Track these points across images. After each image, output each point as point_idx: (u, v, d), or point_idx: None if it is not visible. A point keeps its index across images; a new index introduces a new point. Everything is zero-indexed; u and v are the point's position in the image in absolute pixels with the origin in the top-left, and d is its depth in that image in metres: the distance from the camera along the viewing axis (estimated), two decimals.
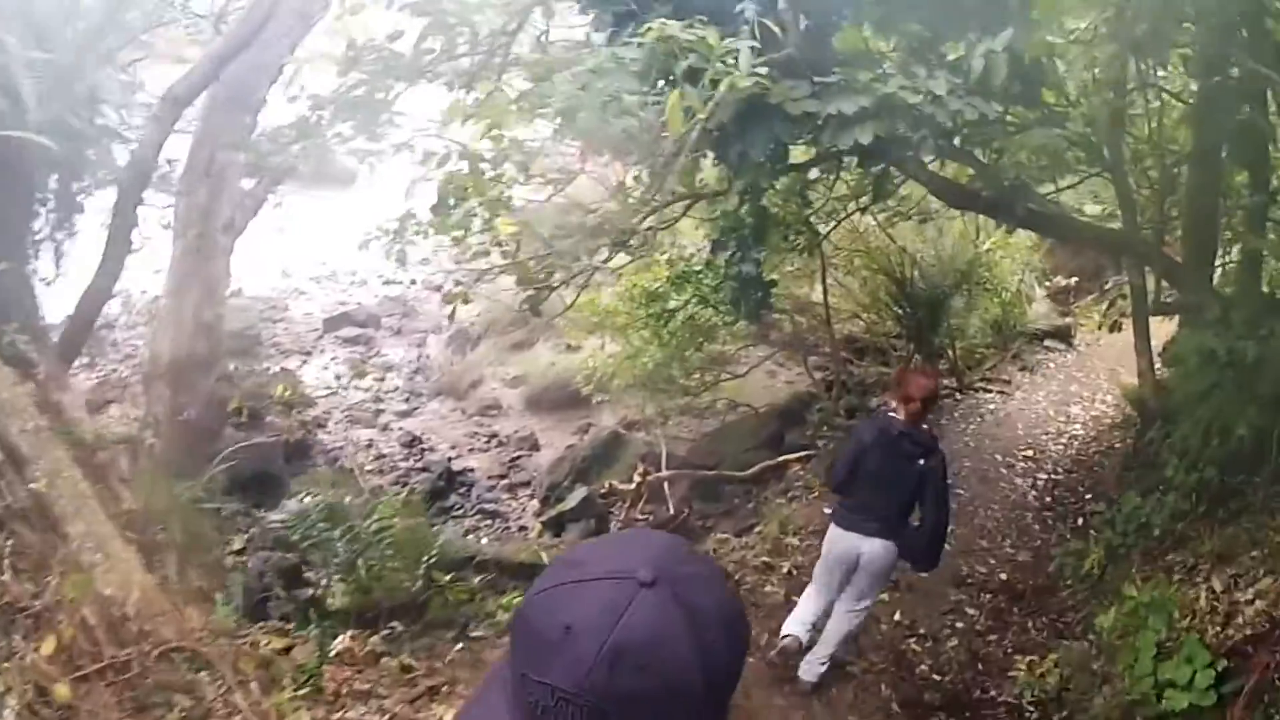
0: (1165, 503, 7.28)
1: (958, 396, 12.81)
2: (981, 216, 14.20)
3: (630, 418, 14.29)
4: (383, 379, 17.30)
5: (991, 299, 14.32)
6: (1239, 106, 6.74)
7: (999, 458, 10.82)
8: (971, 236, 13.67)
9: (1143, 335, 8.95)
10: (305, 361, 17.73)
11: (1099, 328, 9.68)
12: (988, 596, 8.03)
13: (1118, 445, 11.17)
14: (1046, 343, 14.84)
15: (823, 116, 5.80)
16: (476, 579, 8.34)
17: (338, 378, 17.31)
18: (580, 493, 10.95)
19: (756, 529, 9.69)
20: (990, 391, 12.97)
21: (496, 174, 6.69)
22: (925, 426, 5.40)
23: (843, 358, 14.67)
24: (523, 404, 15.48)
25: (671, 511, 10.03)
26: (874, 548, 5.08)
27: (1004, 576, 8.36)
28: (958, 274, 12.74)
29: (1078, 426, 12.04)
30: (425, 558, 6.75)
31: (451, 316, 10.71)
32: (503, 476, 13.71)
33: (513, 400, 15.74)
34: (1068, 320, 15.43)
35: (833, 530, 5.27)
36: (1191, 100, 7.60)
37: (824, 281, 12.53)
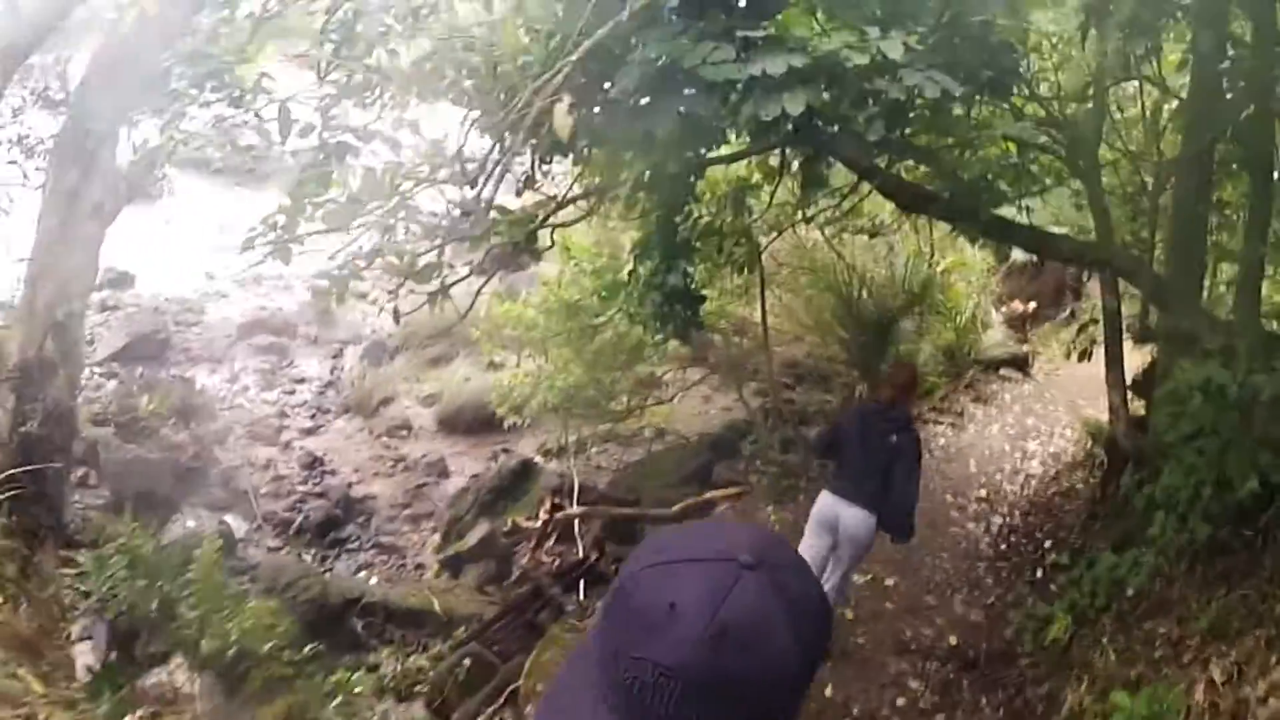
0: (1143, 562, 6.17)
1: None
2: (937, 233, 13.32)
3: (550, 444, 13.05)
4: (292, 392, 15.89)
5: (945, 323, 13.31)
6: (1241, 101, 5.72)
7: (949, 499, 9.72)
8: (926, 255, 12.71)
9: (1116, 365, 7.92)
10: (214, 370, 16.28)
11: (1067, 356, 8.67)
12: (934, 665, 6.86)
13: (1080, 487, 10.14)
14: (1002, 371, 13.85)
15: (743, 81, 4.63)
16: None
17: (245, 389, 15.88)
18: (481, 529, 9.68)
19: None
20: (941, 424, 11.89)
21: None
22: (906, 409, 5.81)
23: (782, 384, 13.58)
24: (435, 425, 14.16)
25: (581, 554, 8.76)
26: (854, 514, 5.41)
27: (953, 641, 7.19)
28: (909, 295, 11.71)
29: (1035, 464, 11.00)
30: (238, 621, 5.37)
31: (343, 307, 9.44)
32: (406, 505, 12.37)
33: (425, 420, 14.41)
34: (1025, 348, 14.47)
35: (822, 495, 5.66)
36: (1182, 95, 6.58)
37: (762, 299, 11.40)
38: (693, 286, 8.43)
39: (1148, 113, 8.12)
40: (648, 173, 5.77)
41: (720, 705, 0.90)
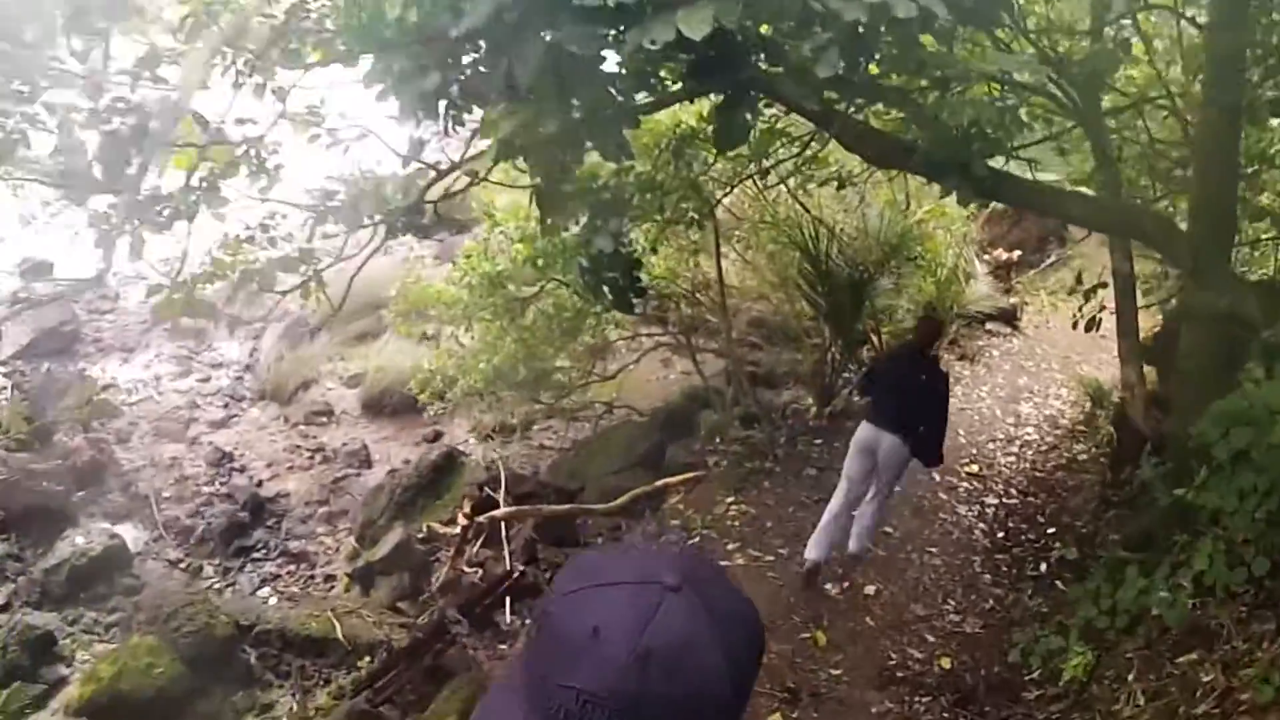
0: (1180, 599, 4.94)
1: None
2: (913, 181, 12.00)
3: (487, 425, 11.71)
4: (207, 379, 14.42)
5: (924, 277, 11.98)
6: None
7: (936, 476, 8.44)
8: (901, 204, 11.38)
9: (1130, 336, 6.65)
10: (126, 360, 14.78)
11: (1074, 326, 7.39)
12: (923, 700, 5.61)
13: (1083, 459, 8.93)
14: (989, 326, 12.59)
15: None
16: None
17: (157, 379, 14.40)
18: (395, 536, 8.33)
19: None
20: None
21: None
22: (933, 352, 6.43)
23: (747, 345, 12.25)
24: (359, 408, 12.75)
25: (507, 565, 7.45)
26: (890, 441, 5.94)
27: (946, 664, 5.95)
28: (885, 248, 10.35)
29: (1030, 430, 9.76)
30: None
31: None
32: (322, 503, 10.99)
33: (349, 404, 12.99)
34: (1012, 301, 13.19)
35: (863, 425, 6.16)
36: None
37: (718, 258, 10.05)
38: (630, 250, 7.19)
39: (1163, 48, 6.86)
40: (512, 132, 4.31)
41: None
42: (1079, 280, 7.37)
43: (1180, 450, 6.16)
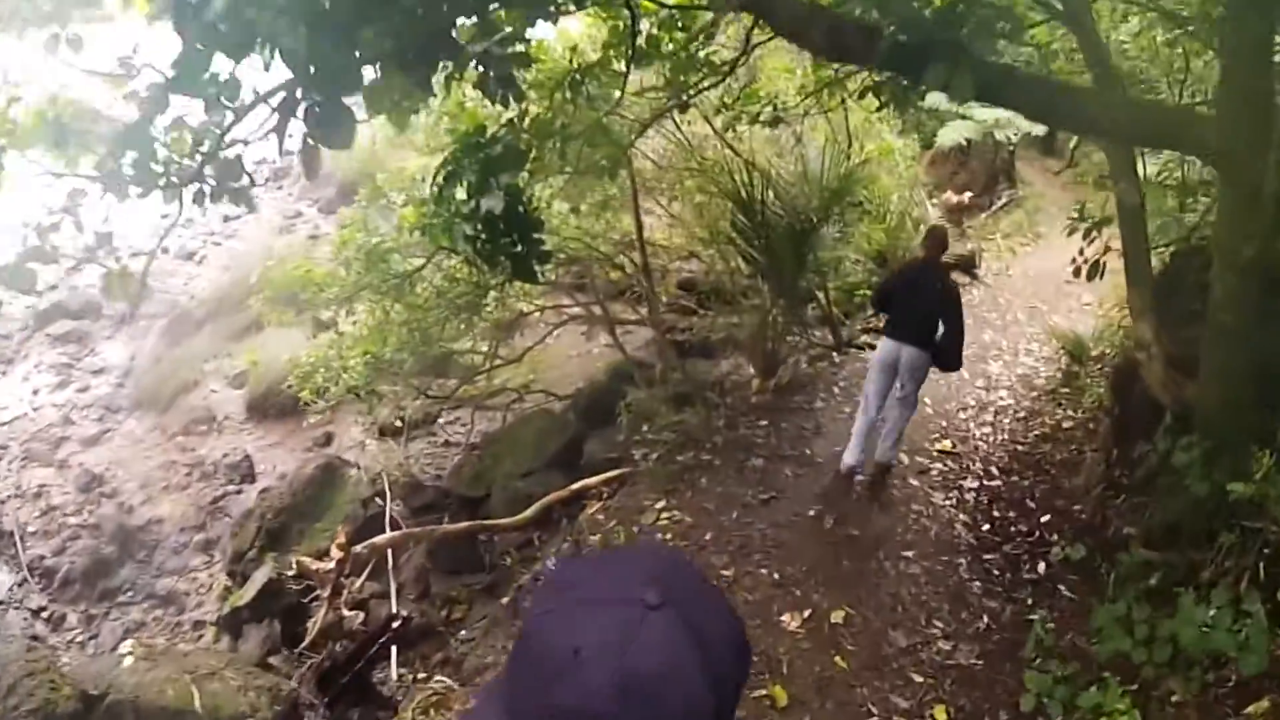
0: (1257, 641, 3.67)
1: (835, 359, 9.11)
2: (857, 114, 10.68)
3: (386, 420, 10.16)
4: (85, 389, 12.59)
5: (873, 224, 10.66)
6: None
7: (904, 459, 7.15)
8: (843, 144, 10.05)
9: (1141, 282, 5.33)
10: (5, 372, 12.90)
11: (1076, 274, 6.12)
12: None
13: (1067, 425, 7.69)
14: None
15: None
16: None
17: (35, 392, 12.54)
18: (263, 574, 6.80)
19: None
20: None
21: None
22: (942, 264, 6.54)
23: (674, 314, 10.85)
24: (244, 412, 11.09)
25: (393, 608, 5.97)
26: (911, 352, 6.13)
27: (942, 716, 4.64)
28: (827, 194, 8.96)
29: (1003, 395, 8.49)
30: None
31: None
32: (198, 528, 9.39)
33: (233, 407, 11.32)
34: (969, 246, 11.93)
35: (882, 341, 6.38)
36: None
37: (636, 212, 8.62)
38: (527, 208, 6.06)
39: None
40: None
41: None
42: (1080, 214, 6.02)
43: (1213, 425, 4.92)
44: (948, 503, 6.63)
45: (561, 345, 11.37)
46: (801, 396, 7.98)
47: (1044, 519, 6.41)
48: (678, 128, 9.50)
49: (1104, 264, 5.82)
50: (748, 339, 8.71)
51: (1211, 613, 3.92)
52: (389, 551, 6.45)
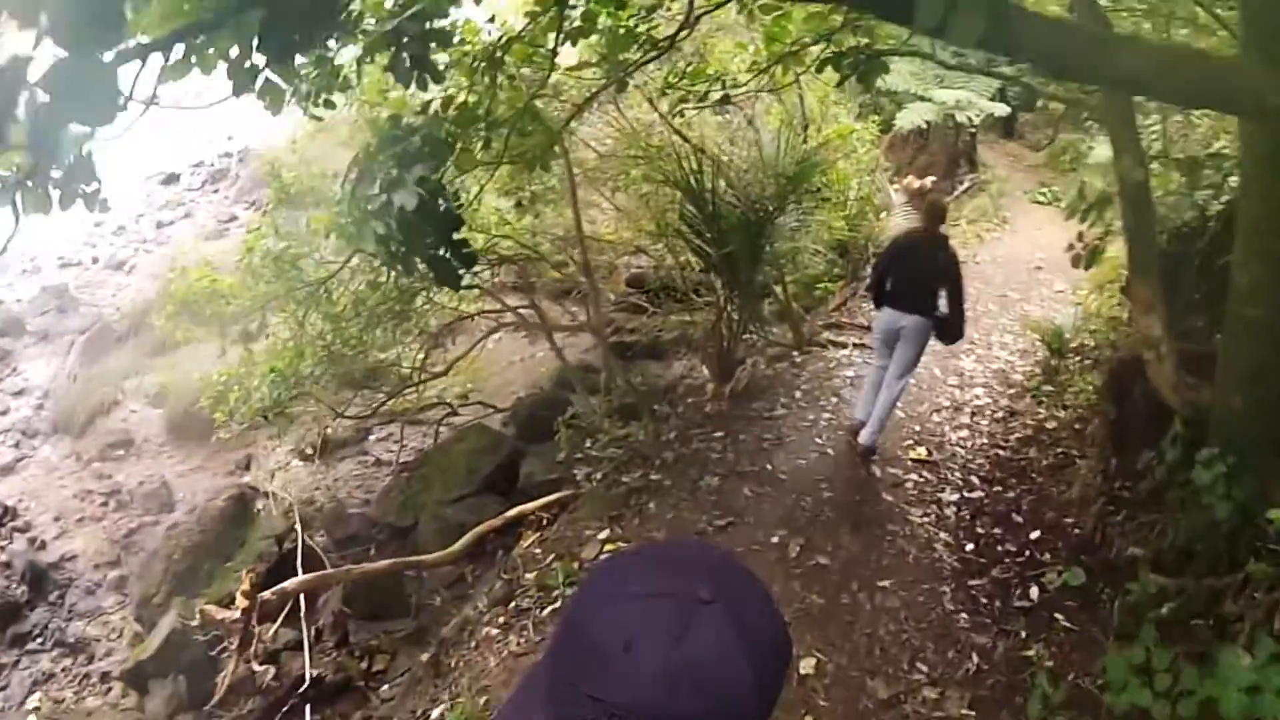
0: None
1: (796, 358, 8.39)
2: (814, 94, 10.06)
3: (312, 439, 9.30)
4: (4, 412, 11.61)
5: (832, 212, 9.94)
6: None
7: (875, 471, 6.46)
8: (799, 126, 9.39)
9: (1146, 270, 4.64)
10: None
11: (1074, 263, 5.45)
12: None
13: (1051, 425, 7.02)
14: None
15: None
16: None
17: None
18: (168, 623, 5.96)
19: (457, 679, 5.01)
20: (844, 346, 8.61)
21: None
22: (941, 234, 6.32)
23: (624, 312, 10.10)
24: (165, 434, 10.17)
25: (307, 662, 5.14)
26: (912, 321, 6.15)
27: None
28: (783, 181, 8.22)
29: (979, 393, 7.83)
30: None
31: None
32: (113, 564, 8.52)
33: (153, 429, 10.39)
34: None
35: (883, 312, 6.33)
36: None
37: (575, 205, 7.83)
38: (449, 205, 5.28)
39: None
40: None
41: None
42: (1081, 194, 5.33)
43: (1234, 434, 4.25)
44: (926, 520, 5.92)
45: (503, 350, 10.59)
46: (761, 403, 7.24)
47: (1034, 535, 5.72)
48: (621, 113, 8.76)
49: (1100, 246, 5.11)
50: (701, 340, 7.96)
51: (1254, 669, 3.21)
52: (303, 596, 5.64)
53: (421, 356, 8.61)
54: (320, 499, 8.95)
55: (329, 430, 9.24)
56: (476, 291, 8.91)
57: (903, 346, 6.21)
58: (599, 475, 6.56)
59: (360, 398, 8.72)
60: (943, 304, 6.19)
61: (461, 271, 6.45)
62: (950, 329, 6.28)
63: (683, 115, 8.46)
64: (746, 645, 0.88)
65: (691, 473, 6.24)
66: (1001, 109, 13.78)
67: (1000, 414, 7.39)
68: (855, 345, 8.55)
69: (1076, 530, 5.62)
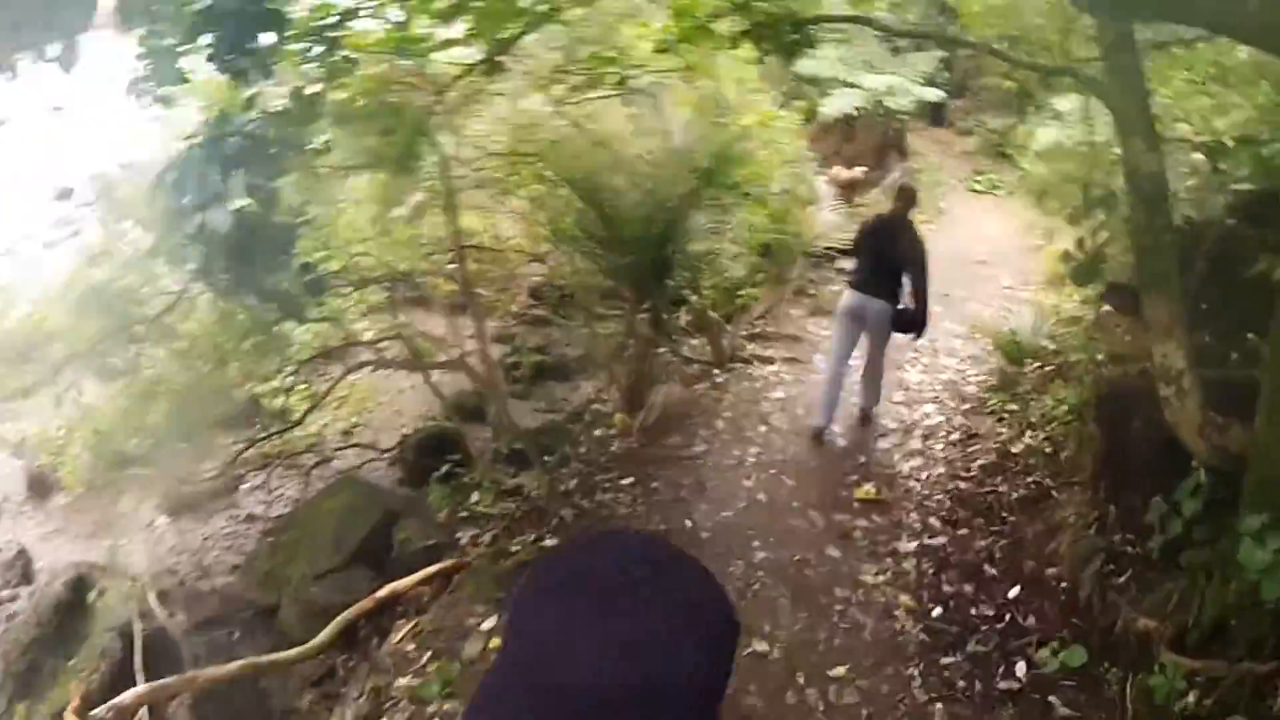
0: None
1: (717, 377, 7.31)
2: (731, 80, 9.03)
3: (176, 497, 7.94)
4: None
5: (755, 210, 8.89)
6: None
7: (812, 514, 5.39)
8: (714, 115, 8.32)
9: (1162, 283, 3.61)
10: None
11: (1074, 279, 4.56)
12: None
13: (1016, 450, 6.03)
14: (841, 263, 9.67)
15: None
16: None
17: None
18: None
19: None
20: (771, 362, 7.55)
21: None
22: (910, 218, 6.18)
23: (526, 326, 8.93)
24: (26, 488, 8.70)
25: None
26: (876, 305, 6.00)
27: None
28: (697, 176, 7.15)
29: (930, 410, 6.84)
30: None
31: None
32: None
33: (14, 485, 8.88)
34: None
35: (846, 294, 6.19)
36: None
37: (452, 211, 6.65)
38: (285, 220, 4.70)
39: None
40: None
41: None
42: (1084, 194, 4.35)
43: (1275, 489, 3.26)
44: (881, 579, 4.86)
45: (396, 381, 9.34)
46: (677, 437, 6.14)
47: (1012, 593, 4.72)
48: (514, 104, 7.60)
49: (1101, 256, 4.10)
50: (606, 361, 6.84)
51: None
52: (146, 711, 4.41)
53: (286, 394, 7.35)
54: (184, 566, 7.64)
55: (186, 484, 7.91)
56: (368, 310, 7.72)
57: (869, 335, 6.13)
58: (487, 538, 5.39)
59: (235, 438, 7.49)
60: (906, 296, 6.08)
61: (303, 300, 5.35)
62: (912, 319, 6.11)
63: (582, 105, 7.38)
64: (688, 618, 0.87)
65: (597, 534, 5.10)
66: (935, 94, 12.93)
67: (956, 436, 6.39)
68: (784, 360, 7.50)
69: (1062, 586, 4.62)
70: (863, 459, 6.02)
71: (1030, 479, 5.64)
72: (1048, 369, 7.03)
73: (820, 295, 8.74)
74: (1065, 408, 5.86)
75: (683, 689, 0.85)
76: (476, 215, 8.59)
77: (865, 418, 6.46)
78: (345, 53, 4.68)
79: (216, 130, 4.46)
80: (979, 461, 5.96)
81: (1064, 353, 6.99)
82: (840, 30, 13.01)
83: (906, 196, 6.30)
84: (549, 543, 5.06)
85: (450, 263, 8.07)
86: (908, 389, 7.15)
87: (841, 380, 6.24)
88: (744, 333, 8.11)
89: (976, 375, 7.39)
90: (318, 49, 4.60)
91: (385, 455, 7.76)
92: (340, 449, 7.61)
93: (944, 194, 12.53)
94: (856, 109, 12.32)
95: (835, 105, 12.11)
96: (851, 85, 12.51)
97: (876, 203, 12.71)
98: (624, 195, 6.50)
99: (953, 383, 7.28)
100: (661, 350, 6.93)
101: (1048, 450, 5.77)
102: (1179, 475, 3.89)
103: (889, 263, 6.03)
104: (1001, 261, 10.12)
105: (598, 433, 6.78)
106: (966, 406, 6.84)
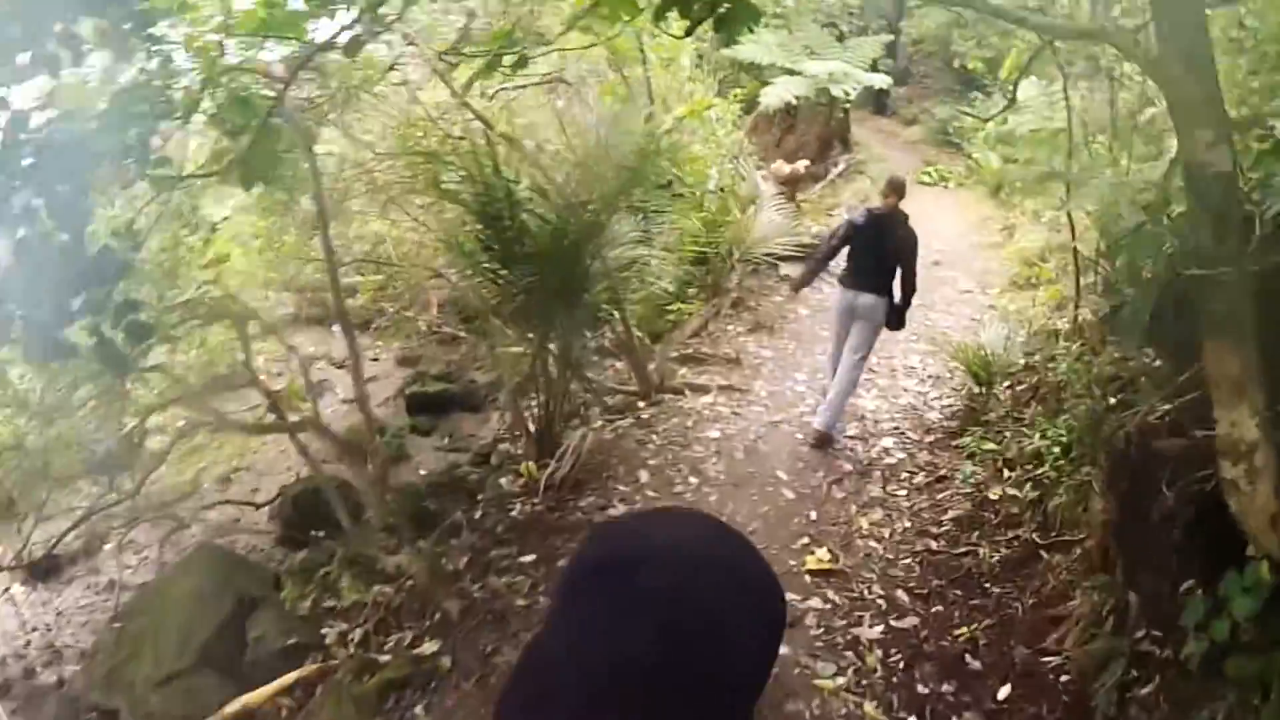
0: None
1: (642, 412, 6.32)
2: (661, 67, 8.30)
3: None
4: None
5: (687, 212, 7.91)
6: None
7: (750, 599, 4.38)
8: (645, 104, 7.49)
9: (1236, 330, 2.63)
10: None
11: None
12: None
13: (994, 496, 5.10)
14: (786, 271, 8.74)
15: None
16: None
17: None
18: None
19: None
20: (706, 391, 6.55)
21: None
22: (901, 211, 5.97)
23: (438, 345, 7.88)
24: None
25: None
26: (868, 300, 5.83)
27: None
28: (622, 175, 6.15)
29: (889, 445, 5.93)
30: None
31: None
32: None
33: None
34: (815, 230, 9.37)
35: (838, 291, 6.01)
36: None
37: (324, 224, 5.57)
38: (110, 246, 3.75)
39: None
40: None
41: (688, 700, 0.80)
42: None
43: None
44: (842, 682, 3.89)
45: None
46: (593, 496, 5.13)
47: (1002, 693, 3.78)
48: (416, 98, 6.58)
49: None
50: (508, 400, 5.80)
51: None
52: None
53: (139, 444, 6.22)
54: (34, 648, 6.54)
55: (32, 549, 6.77)
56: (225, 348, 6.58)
57: (858, 328, 5.88)
58: (357, 635, 4.34)
59: (99, 489, 6.38)
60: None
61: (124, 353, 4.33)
62: (899, 314, 5.96)
63: (487, 96, 6.40)
64: (745, 601, 0.83)
65: (487, 636, 4.07)
66: (882, 80, 12.06)
67: (922, 478, 5.47)
68: (721, 389, 6.51)
69: (1064, 682, 3.71)
70: (813, 513, 5.06)
71: (1013, 534, 4.74)
72: (1021, 388, 6.16)
73: (761, 309, 7.78)
74: (1049, 443, 4.96)
75: (734, 672, 0.82)
76: (384, 224, 7.58)
77: (823, 439, 5.86)
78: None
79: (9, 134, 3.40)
80: (950, 513, 5.04)
81: (1039, 369, 6.12)
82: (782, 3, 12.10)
83: (897, 188, 6.04)
84: (427, 648, 4.02)
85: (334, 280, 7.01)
86: (863, 418, 6.22)
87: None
88: (675, 353, 7.13)
89: (939, 398, 6.50)
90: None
91: (264, 508, 6.67)
92: (206, 508, 6.49)
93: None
94: (798, 97, 11.44)
95: (776, 93, 11.21)
96: (793, 72, 11.63)
97: (821, 199, 11.85)
98: (525, 205, 5.46)
99: (914, 409, 6.38)
100: (578, 384, 5.90)
101: (1032, 496, 4.87)
102: (1221, 561, 2.99)
103: (883, 257, 5.83)
104: (958, 261, 9.26)
105: (504, 481, 5.74)
106: (931, 439, 5.93)
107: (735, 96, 11.07)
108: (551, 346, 5.69)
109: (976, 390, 6.13)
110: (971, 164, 12.57)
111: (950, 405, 6.32)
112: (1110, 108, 6.18)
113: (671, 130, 8.55)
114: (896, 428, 6.09)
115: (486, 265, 5.59)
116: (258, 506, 6.63)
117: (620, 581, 0.82)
